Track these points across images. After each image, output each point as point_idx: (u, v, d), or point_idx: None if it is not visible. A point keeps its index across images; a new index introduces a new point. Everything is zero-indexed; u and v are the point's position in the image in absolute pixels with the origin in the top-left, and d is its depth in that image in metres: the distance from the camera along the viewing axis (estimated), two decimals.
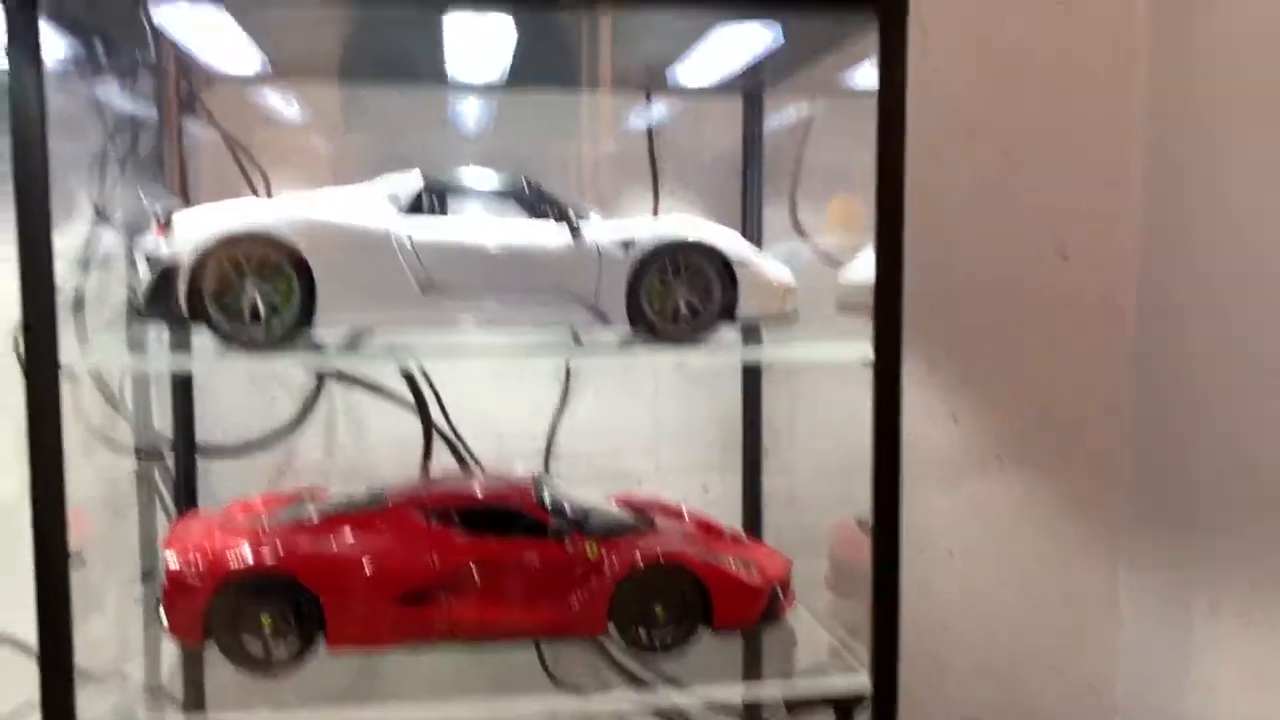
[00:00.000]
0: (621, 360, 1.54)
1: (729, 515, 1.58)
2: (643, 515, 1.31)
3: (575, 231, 1.14)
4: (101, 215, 1.40)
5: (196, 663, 1.22)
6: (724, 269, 1.13)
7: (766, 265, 1.16)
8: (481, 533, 1.19)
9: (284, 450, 1.55)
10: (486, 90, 1.50)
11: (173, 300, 1.06)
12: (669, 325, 1.14)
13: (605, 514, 1.28)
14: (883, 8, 1.03)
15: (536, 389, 1.59)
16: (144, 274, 1.10)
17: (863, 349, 1.10)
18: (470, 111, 1.56)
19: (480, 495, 1.23)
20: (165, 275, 1.06)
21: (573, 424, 1.61)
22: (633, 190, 1.59)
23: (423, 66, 1.38)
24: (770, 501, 1.60)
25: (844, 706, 1.14)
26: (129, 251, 1.41)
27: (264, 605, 1.12)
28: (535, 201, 1.17)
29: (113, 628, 1.33)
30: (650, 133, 1.56)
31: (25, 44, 0.94)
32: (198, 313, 1.07)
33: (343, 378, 1.52)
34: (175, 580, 1.12)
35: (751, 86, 1.49)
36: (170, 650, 1.28)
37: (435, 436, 1.55)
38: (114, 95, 1.38)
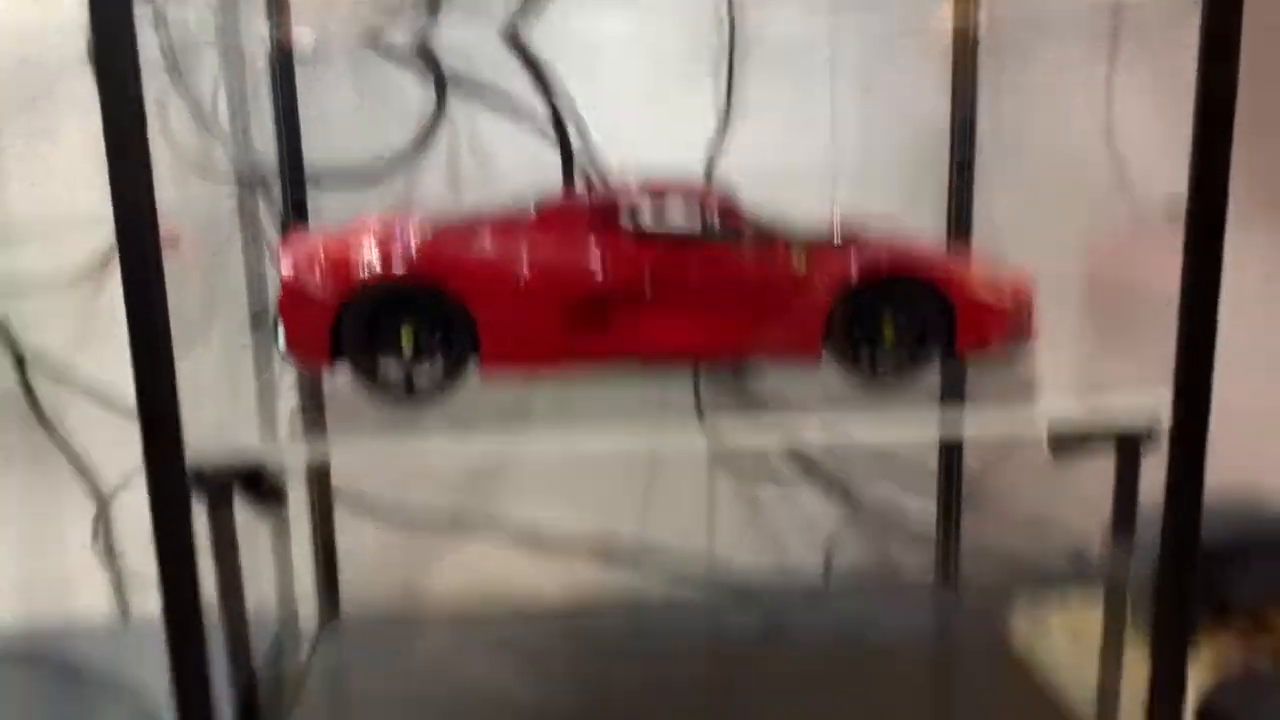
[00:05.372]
0: None
1: None
2: (845, 228, 1.06)
3: None
4: None
5: (316, 396, 1.02)
6: None
7: None
8: (661, 238, 0.95)
9: (400, 185, 1.32)
10: None
11: None
12: None
13: (805, 224, 1.03)
14: None
15: (691, 116, 1.33)
16: None
17: None
18: None
19: (657, 192, 0.99)
20: None
21: (734, 160, 1.35)
22: None
23: None
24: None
25: (1131, 442, 0.90)
26: None
27: (406, 317, 0.90)
28: None
29: (218, 373, 1.14)
30: None
31: None
32: None
33: (467, 90, 1.28)
34: (294, 291, 0.90)
35: None
36: (285, 393, 1.09)
37: (575, 171, 1.31)
38: None
